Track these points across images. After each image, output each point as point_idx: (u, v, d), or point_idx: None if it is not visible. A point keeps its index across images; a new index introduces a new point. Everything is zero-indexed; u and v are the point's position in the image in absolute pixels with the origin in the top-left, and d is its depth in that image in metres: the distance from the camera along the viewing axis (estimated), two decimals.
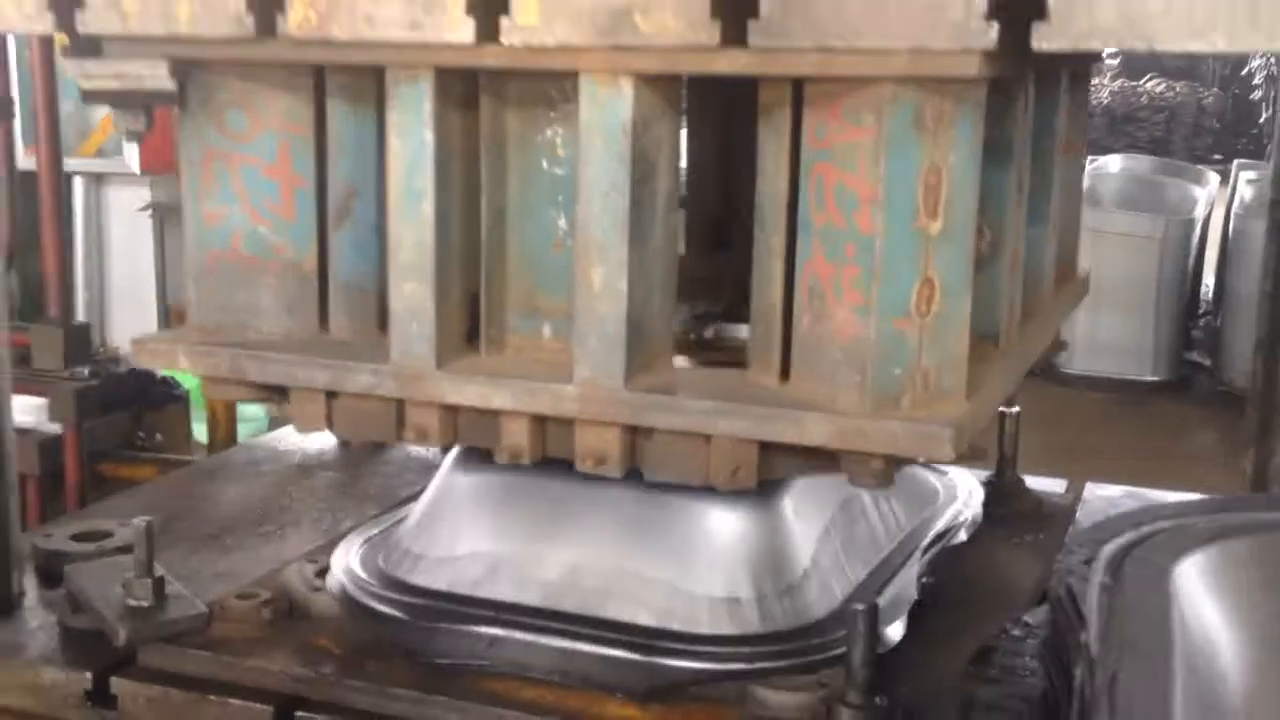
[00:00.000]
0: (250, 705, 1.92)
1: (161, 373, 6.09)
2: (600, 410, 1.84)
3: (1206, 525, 1.85)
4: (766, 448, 1.84)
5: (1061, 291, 2.45)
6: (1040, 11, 1.56)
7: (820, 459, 1.84)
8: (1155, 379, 9.85)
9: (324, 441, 3.06)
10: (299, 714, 1.90)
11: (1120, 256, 9.11)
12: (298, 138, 2.04)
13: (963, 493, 2.51)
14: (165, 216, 9.01)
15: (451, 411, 1.97)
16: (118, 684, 1.98)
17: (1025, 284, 2.19)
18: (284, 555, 2.36)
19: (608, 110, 1.78)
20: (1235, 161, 11.18)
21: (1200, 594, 1.68)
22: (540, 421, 1.93)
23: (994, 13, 1.57)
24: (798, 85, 1.78)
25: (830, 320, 1.78)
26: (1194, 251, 9.98)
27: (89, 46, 1.95)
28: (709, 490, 1.92)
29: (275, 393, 2.07)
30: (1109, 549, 1.78)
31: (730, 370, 1.94)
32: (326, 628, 2.05)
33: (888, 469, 1.80)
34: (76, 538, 2.35)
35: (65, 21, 1.90)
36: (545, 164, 1.94)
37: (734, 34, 1.67)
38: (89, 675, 1.99)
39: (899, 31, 1.61)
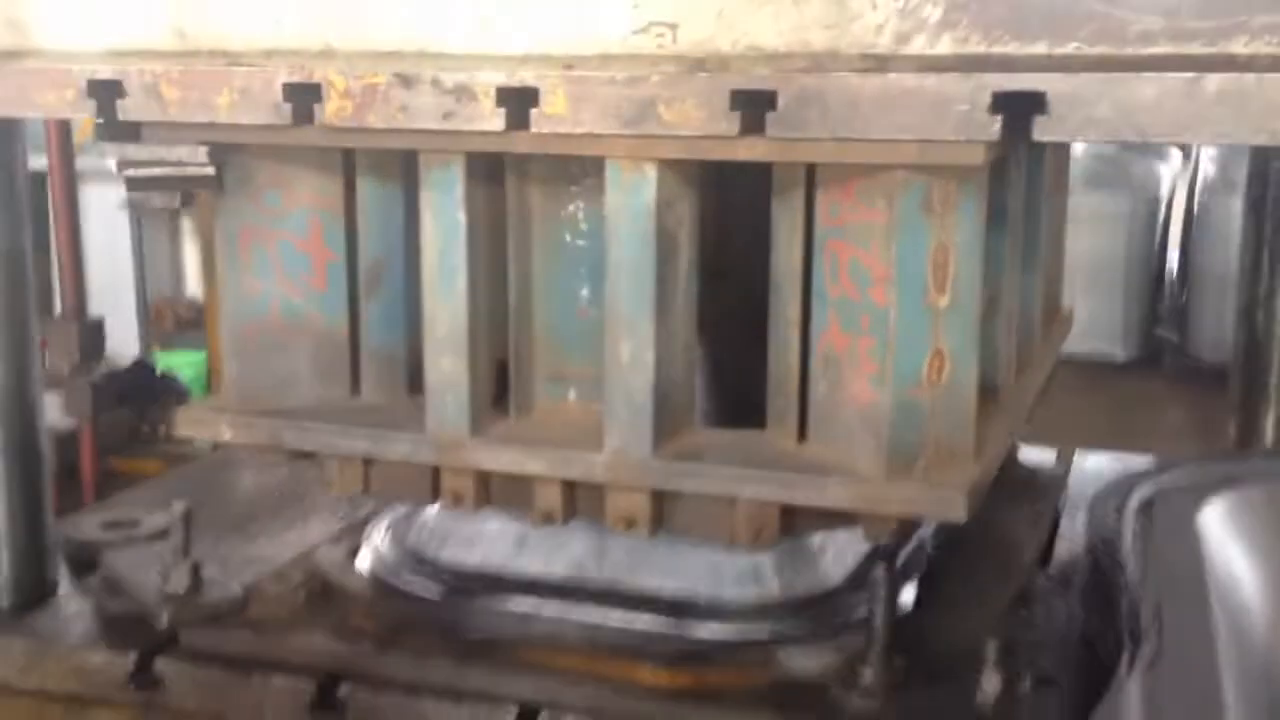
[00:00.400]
0: (294, 681, 2.01)
1: (161, 367, 6.17)
2: (630, 477, 1.95)
3: (1221, 476, 2.05)
4: (788, 509, 1.95)
5: (1049, 333, 2.57)
6: (1040, 107, 1.66)
7: (839, 518, 1.95)
8: (1125, 356, 10.01)
9: None
10: (342, 688, 1.99)
11: (1088, 236, 9.24)
12: (328, 213, 2.13)
13: None
14: (143, 215, 9.03)
15: (485, 476, 2.07)
16: (162, 664, 2.06)
17: (1019, 334, 2.30)
18: (308, 540, 2.45)
19: (633, 194, 1.87)
20: None
21: (1223, 537, 1.88)
22: (571, 486, 2.03)
23: (997, 107, 1.67)
24: (810, 166, 1.88)
25: (846, 388, 1.89)
26: (1160, 229, 10.15)
27: (128, 131, 2.03)
28: None
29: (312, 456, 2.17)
30: (1135, 499, 1.98)
31: (749, 432, 2.05)
32: (361, 607, 2.17)
33: (901, 528, 1.92)
34: (105, 527, 2.45)
35: (106, 109, 1.98)
36: (568, 237, 2.04)
37: (752, 123, 1.76)
38: (132, 657, 2.08)
39: (909, 124, 1.71)
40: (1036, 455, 2.87)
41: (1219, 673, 1.57)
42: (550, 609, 2.11)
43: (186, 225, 9.60)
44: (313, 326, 2.16)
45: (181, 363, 7.07)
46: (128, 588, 2.18)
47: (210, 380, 7.70)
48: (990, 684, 1.79)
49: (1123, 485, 2.10)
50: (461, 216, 1.96)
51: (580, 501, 2.05)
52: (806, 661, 1.96)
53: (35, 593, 2.27)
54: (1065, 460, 2.86)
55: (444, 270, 1.99)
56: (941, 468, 1.89)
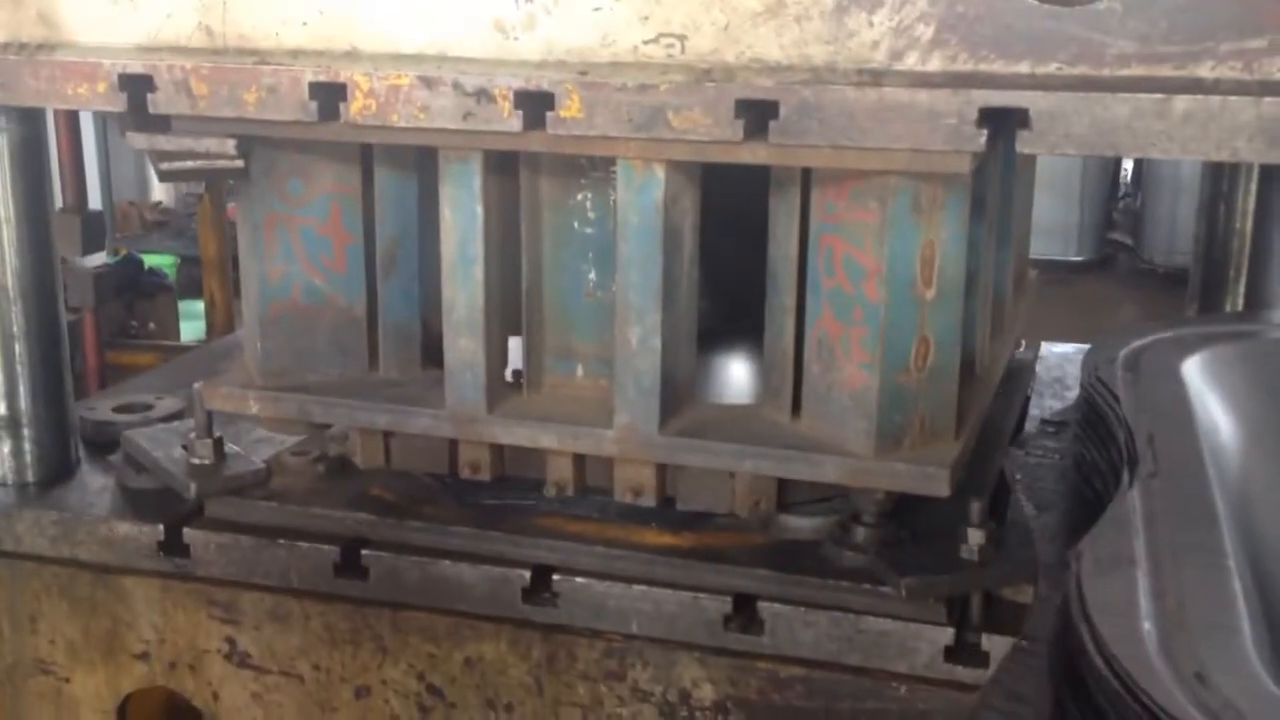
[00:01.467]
0: (318, 547, 2.16)
1: (149, 263, 6.24)
2: (638, 452, 2.10)
3: (1199, 334, 2.27)
4: (784, 481, 2.11)
5: (1018, 298, 2.73)
6: (1024, 122, 1.79)
7: (830, 489, 2.12)
8: (1080, 258, 10.21)
9: None
10: (364, 553, 2.15)
11: None
12: (347, 198, 2.24)
13: None
14: (109, 116, 8.96)
15: (500, 448, 2.22)
16: (190, 534, 2.22)
17: (993, 305, 2.46)
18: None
19: (643, 192, 2.00)
20: None
21: (1202, 385, 2.09)
22: (581, 458, 2.18)
23: (983, 121, 1.81)
24: (808, 168, 2.01)
25: (839, 371, 2.05)
26: None
27: (158, 123, 2.12)
28: None
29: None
30: (1125, 352, 2.20)
31: (745, 408, 2.21)
32: (378, 479, 2.31)
33: (889, 498, 2.09)
34: (119, 410, 2.59)
35: (137, 102, 2.07)
36: (577, 225, 2.17)
37: (755, 130, 1.89)
38: (160, 527, 2.23)
39: (901, 134, 1.84)
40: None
41: (1209, 483, 1.76)
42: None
43: None
44: (333, 306, 2.28)
45: (154, 264, 7.11)
46: (150, 464, 2.30)
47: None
48: (975, 538, 1.95)
49: (1113, 340, 2.30)
50: (479, 209, 2.08)
51: (590, 472, 2.21)
52: (802, 523, 2.11)
53: (60, 470, 2.41)
54: (1032, 349, 3.03)
55: (462, 258, 2.11)
56: (926, 446, 2.05)
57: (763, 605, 1.99)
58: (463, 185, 2.08)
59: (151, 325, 6.09)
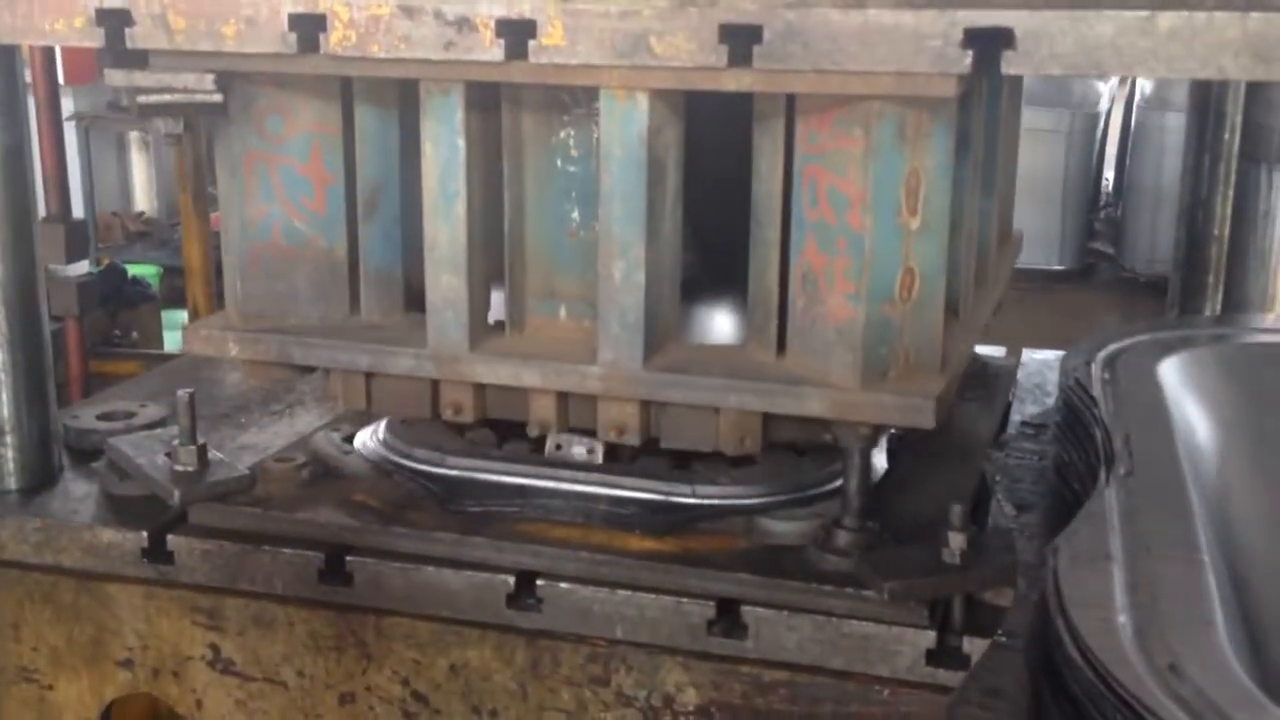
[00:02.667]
0: (302, 553, 2.14)
1: (132, 272, 6.22)
2: (622, 388, 2.08)
3: (1175, 337, 2.29)
4: (769, 417, 2.09)
5: (1002, 253, 2.72)
6: (1009, 42, 1.79)
7: (816, 425, 2.10)
8: (1061, 268, 10.23)
9: None
10: (349, 559, 2.12)
11: (1028, 150, 9.38)
12: (328, 137, 2.22)
13: None
14: (91, 126, 8.96)
15: (482, 389, 2.19)
16: (174, 540, 2.19)
17: (977, 254, 2.45)
18: (298, 430, 2.58)
19: (625, 122, 1.99)
20: None
21: (1178, 387, 2.12)
22: (564, 397, 2.16)
23: (969, 42, 1.80)
24: (790, 96, 2.00)
25: (823, 305, 2.03)
26: (1098, 144, 10.33)
27: (135, 58, 2.10)
28: None
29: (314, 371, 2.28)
30: (1102, 354, 2.21)
31: (730, 346, 2.19)
32: (362, 485, 2.28)
33: (874, 434, 2.07)
34: (103, 418, 2.56)
35: (114, 37, 2.05)
36: (560, 163, 2.15)
37: (739, 55, 1.88)
38: (144, 534, 2.20)
39: (886, 57, 1.83)
40: (988, 351, 3.07)
41: (1184, 482, 1.77)
42: (544, 484, 2.23)
43: (133, 139, 9.51)
44: (314, 248, 2.26)
45: (137, 273, 7.10)
46: (133, 471, 2.27)
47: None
48: (956, 542, 1.93)
49: (1091, 342, 2.32)
50: (461, 142, 2.07)
51: (573, 412, 2.18)
52: (785, 527, 2.10)
53: (43, 476, 2.38)
54: (1014, 355, 3.03)
55: (444, 193, 2.09)
56: (911, 378, 2.03)
57: (746, 610, 1.98)
58: (444, 119, 2.06)
59: (135, 335, 6.07)
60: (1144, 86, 10.19)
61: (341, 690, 2.15)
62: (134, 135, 9.57)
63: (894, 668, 1.93)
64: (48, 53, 5.42)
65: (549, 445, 2.29)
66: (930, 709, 1.90)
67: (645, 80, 1.95)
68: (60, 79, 8.14)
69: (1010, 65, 1.81)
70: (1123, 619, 1.42)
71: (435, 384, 2.21)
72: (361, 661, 2.13)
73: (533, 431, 2.18)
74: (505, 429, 2.37)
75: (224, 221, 2.24)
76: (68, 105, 8.70)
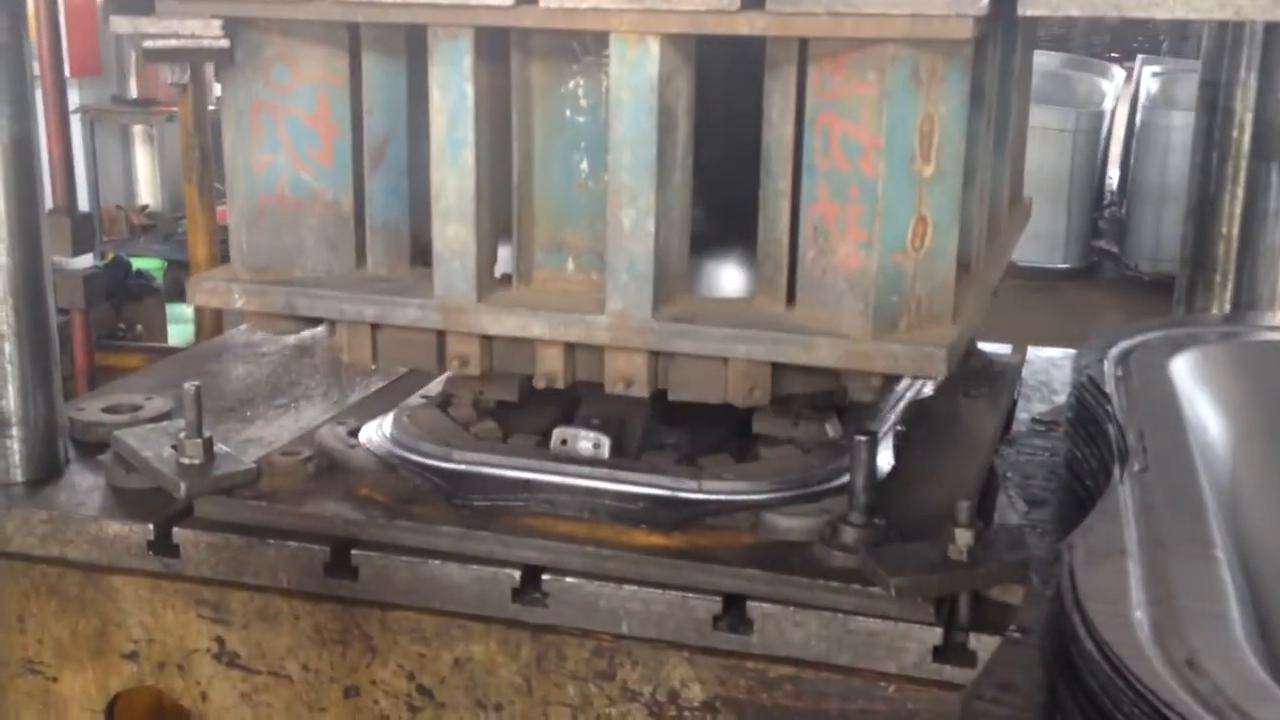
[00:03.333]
0: (307, 546, 2.11)
1: (137, 266, 6.22)
2: (630, 338, 2.06)
3: (1186, 334, 2.28)
4: (778, 368, 2.07)
5: (1013, 215, 2.70)
6: None
7: (825, 377, 2.08)
8: (1066, 265, 10.23)
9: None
10: (354, 553, 2.09)
11: (1033, 148, 9.39)
12: (335, 88, 2.20)
13: None
14: (96, 119, 8.95)
15: (489, 341, 2.17)
16: (179, 533, 2.16)
17: (989, 212, 2.43)
18: (303, 424, 2.56)
19: (636, 68, 1.96)
20: (1139, 56, 11.53)
21: (1191, 383, 2.13)
22: (571, 348, 2.14)
23: None
24: (803, 42, 1.98)
25: (834, 254, 2.01)
26: (1102, 144, 10.33)
27: (140, 3, 2.08)
28: None
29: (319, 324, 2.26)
30: (1114, 351, 2.20)
31: (739, 299, 2.17)
32: (367, 479, 2.26)
33: (884, 385, 2.05)
34: (108, 411, 2.53)
35: None
36: (569, 113, 2.13)
37: None
38: (150, 526, 2.17)
39: None
40: (993, 348, 3.04)
41: (1198, 478, 1.76)
42: (550, 478, 2.20)
43: (138, 132, 9.50)
44: (320, 200, 2.24)
45: (141, 267, 7.10)
46: (139, 464, 2.25)
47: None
48: (963, 538, 1.91)
49: (1103, 339, 2.30)
50: (469, 88, 2.04)
51: (580, 365, 2.16)
52: (791, 523, 2.07)
53: (49, 469, 2.35)
54: (1019, 352, 3.01)
55: (452, 140, 2.07)
56: (923, 328, 2.01)
57: (752, 605, 1.95)
58: (452, 65, 2.04)
59: (139, 328, 6.07)
60: (1149, 86, 10.19)
61: (346, 684, 2.13)
62: (138, 129, 9.56)
63: (900, 664, 1.90)
64: (55, 44, 5.42)
65: (555, 440, 2.27)
66: (936, 705, 1.89)
67: (656, 24, 1.93)
68: (67, 71, 8.19)
69: (1027, 6, 1.80)
70: (1139, 614, 1.43)
71: (441, 336, 2.19)
72: (366, 655, 2.11)
73: (539, 383, 2.16)
74: (511, 423, 2.36)
75: (229, 172, 2.22)
76: (73, 98, 8.74)
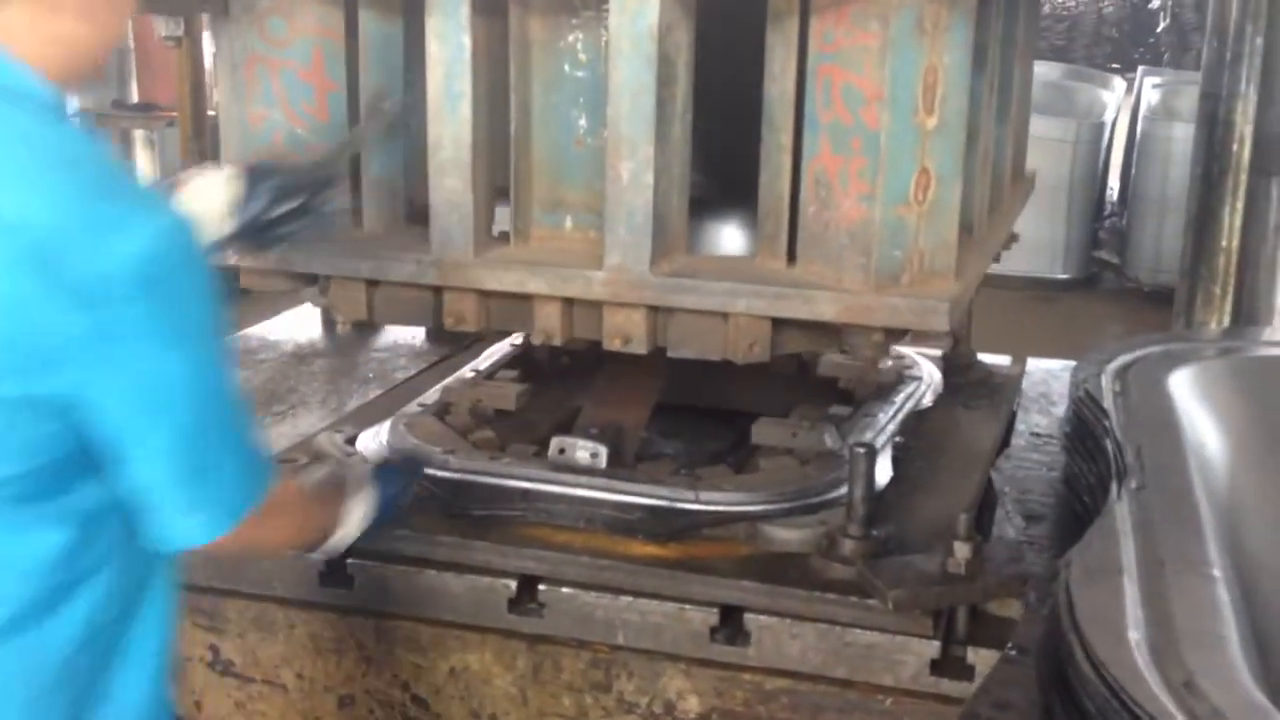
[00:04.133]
0: (303, 555, 2.03)
1: None
2: (628, 293, 2.03)
3: (1185, 349, 2.27)
4: (778, 325, 2.04)
5: (1015, 189, 2.68)
6: None
7: (825, 335, 2.05)
8: (1066, 276, 10.19)
9: (312, 332, 3.20)
10: (349, 561, 2.06)
11: (1035, 158, 9.37)
12: (330, 43, 2.18)
13: (924, 371, 2.76)
14: (96, 123, 8.93)
15: (486, 298, 2.14)
16: None
17: (992, 180, 2.41)
18: (301, 431, 2.52)
19: (636, 17, 1.94)
20: (1140, 68, 11.54)
21: (1189, 399, 2.10)
22: (570, 306, 2.11)
23: None
24: None
25: (836, 208, 1.98)
26: (1103, 154, 10.31)
27: None
28: None
29: (315, 282, 2.23)
30: (1113, 366, 2.17)
31: (740, 257, 2.14)
32: None
33: (885, 343, 2.02)
34: None
35: None
36: (567, 68, 2.11)
37: None
38: None
39: None
40: (992, 359, 3.00)
41: (1196, 495, 1.74)
42: (548, 488, 2.18)
43: (138, 136, 9.50)
44: (315, 156, 2.21)
45: None
46: None
47: None
48: (961, 551, 1.89)
49: (1101, 354, 2.29)
50: (466, 40, 2.02)
51: (578, 322, 2.13)
52: (789, 534, 2.05)
53: None
54: (1019, 364, 2.98)
55: (449, 92, 2.05)
56: (925, 282, 1.99)
57: (749, 617, 1.94)
58: (450, 15, 2.02)
59: None
60: (1150, 97, 10.19)
61: (341, 693, 2.10)
62: (139, 133, 9.56)
63: (898, 677, 1.88)
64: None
65: (552, 449, 2.24)
66: (933, 719, 1.87)
67: None
68: None
69: None
70: (1136, 635, 1.42)
71: (438, 293, 2.16)
72: (361, 664, 2.08)
73: (537, 340, 2.13)
74: (509, 432, 2.33)
75: (224, 126, 2.20)
76: (73, 102, 8.74)
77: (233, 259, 2.17)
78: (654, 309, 2.07)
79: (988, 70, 2.23)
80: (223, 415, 1.42)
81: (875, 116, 1.92)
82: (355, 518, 1.79)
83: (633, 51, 1.95)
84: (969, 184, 2.19)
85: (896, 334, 2.05)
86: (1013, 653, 1.67)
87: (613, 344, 2.08)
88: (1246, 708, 1.30)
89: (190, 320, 1.35)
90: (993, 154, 2.39)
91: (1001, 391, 2.81)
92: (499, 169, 2.14)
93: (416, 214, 2.23)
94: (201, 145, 5.83)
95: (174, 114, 6.98)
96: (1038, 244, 9.74)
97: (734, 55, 2.10)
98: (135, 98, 9.61)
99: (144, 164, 9.62)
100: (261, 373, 2.93)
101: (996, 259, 2.55)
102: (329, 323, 3.20)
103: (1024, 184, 2.79)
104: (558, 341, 2.12)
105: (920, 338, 2.42)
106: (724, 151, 2.19)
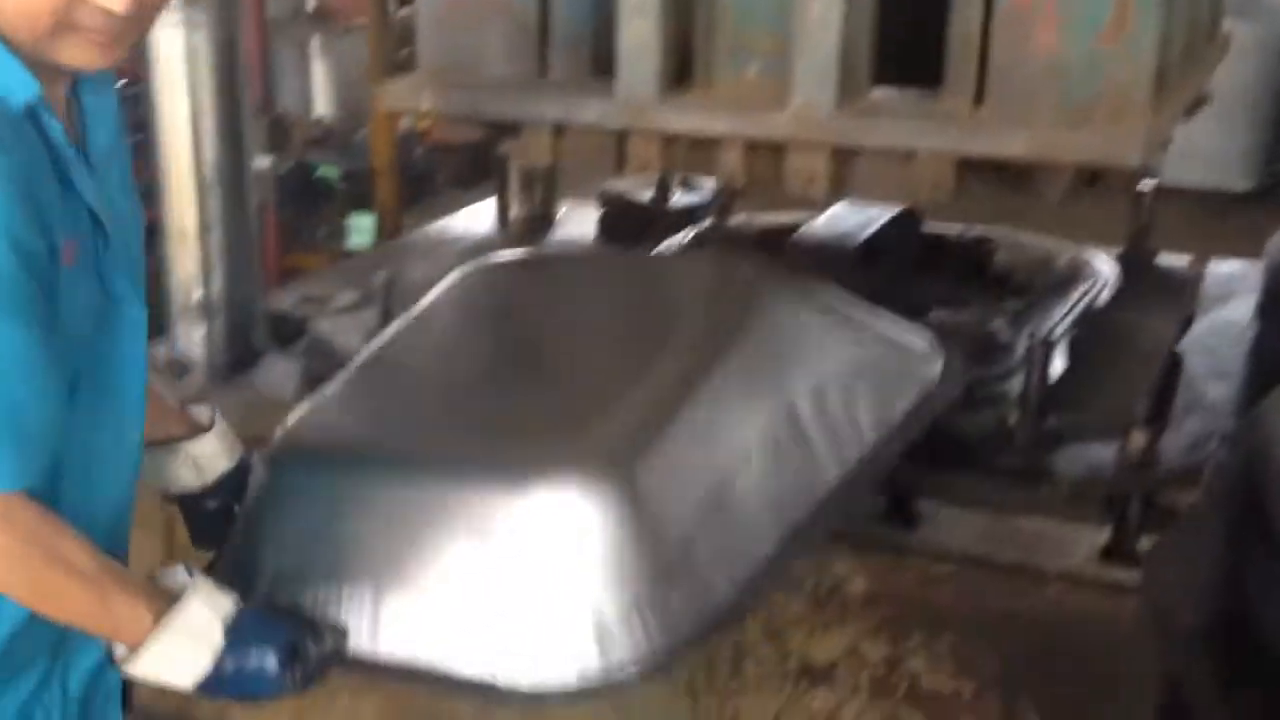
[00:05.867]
0: None
1: (318, 172, 6.38)
2: (813, 133, 2.04)
3: None
4: (963, 166, 2.03)
5: (1211, 44, 2.59)
6: None
7: (1011, 179, 2.03)
8: (1240, 188, 9.80)
9: (485, 227, 3.24)
10: None
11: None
12: None
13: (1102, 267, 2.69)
14: (275, 30, 9.14)
15: (670, 142, 2.17)
16: None
17: (1189, 32, 2.34)
18: None
19: None
20: None
21: None
22: (753, 149, 2.12)
23: None
24: None
25: (1030, 42, 1.95)
26: None
27: None
28: None
29: (502, 129, 2.29)
30: None
31: (925, 96, 2.12)
32: None
33: (1075, 186, 1.99)
34: (302, 302, 2.58)
35: None
36: None
37: None
38: None
39: None
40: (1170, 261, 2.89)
41: None
42: None
43: (316, 44, 9.69)
44: (505, 6, 2.26)
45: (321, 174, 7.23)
46: (335, 350, 2.29)
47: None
48: (1136, 440, 1.85)
49: None
50: None
51: (759, 166, 2.15)
52: (962, 421, 1.99)
53: (247, 354, 2.41)
54: (1199, 264, 2.89)
55: None
56: (1118, 117, 1.95)
57: (920, 502, 1.92)
58: None
59: (321, 231, 6.19)
60: None
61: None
62: (316, 41, 9.74)
63: (1066, 564, 1.84)
64: None
65: None
66: (1098, 606, 1.82)
67: None
68: None
69: None
70: None
71: (622, 138, 2.19)
72: None
73: (719, 182, 2.15)
74: None
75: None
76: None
77: (426, 104, 2.24)
78: (836, 151, 2.07)
79: None
80: None
81: None
82: (168, 651, 1.25)
83: None
84: (1166, 22, 2.13)
85: (1085, 178, 2.02)
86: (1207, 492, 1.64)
87: (795, 185, 2.09)
88: None
89: None
90: (1189, 12, 2.32)
91: (1181, 291, 2.72)
92: (685, 14, 2.16)
93: (603, 64, 2.25)
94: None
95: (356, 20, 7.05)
96: (1215, 154, 9.37)
97: None
98: (311, 6, 9.77)
99: (320, 72, 9.74)
100: (444, 265, 2.94)
101: (1189, 114, 2.48)
102: (504, 220, 3.21)
103: (1218, 42, 2.70)
104: (739, 185, 2.14)
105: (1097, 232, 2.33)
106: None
